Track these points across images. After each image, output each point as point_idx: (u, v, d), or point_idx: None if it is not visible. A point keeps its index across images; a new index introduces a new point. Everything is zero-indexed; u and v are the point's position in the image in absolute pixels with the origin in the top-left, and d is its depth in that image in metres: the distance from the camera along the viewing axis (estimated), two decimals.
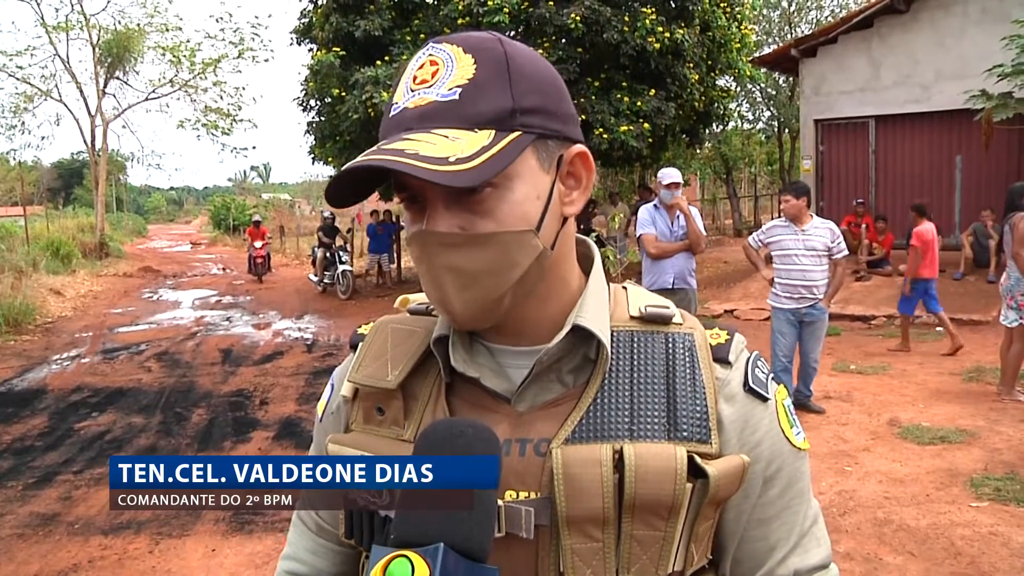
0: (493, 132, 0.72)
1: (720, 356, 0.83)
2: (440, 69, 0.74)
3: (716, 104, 14.05)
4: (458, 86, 0.73)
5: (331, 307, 13.47)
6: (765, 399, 0.84)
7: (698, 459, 0.76)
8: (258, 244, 18.41)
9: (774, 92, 21.20)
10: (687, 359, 0.82)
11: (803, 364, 5.80)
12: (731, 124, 19.73)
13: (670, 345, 0.82)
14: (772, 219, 7.55)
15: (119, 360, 9.35)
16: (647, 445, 0.76)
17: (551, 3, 11.33)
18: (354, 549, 0.88)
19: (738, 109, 21.08)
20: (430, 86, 0.74)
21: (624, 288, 0.89)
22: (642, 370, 0.81)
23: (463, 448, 0.68)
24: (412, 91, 0.75)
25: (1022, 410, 5.72)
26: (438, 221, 0.74)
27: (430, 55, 0.75)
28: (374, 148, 0.72)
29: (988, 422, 5.51)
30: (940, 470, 4.68)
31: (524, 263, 0.76)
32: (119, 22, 24.64)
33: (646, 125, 11.73)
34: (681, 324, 0.84)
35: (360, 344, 0.90)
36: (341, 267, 14.32)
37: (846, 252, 5.74)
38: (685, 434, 0.78)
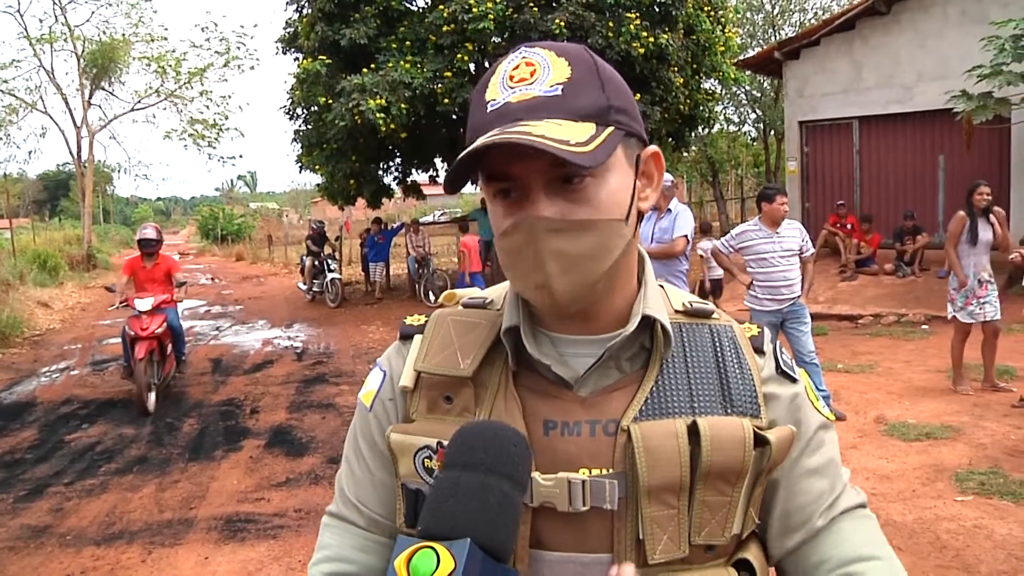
0: (594, 125, 0.77)
1: (756, 346, 0.93)
2: (537, 70, 0.79)
3: (701, 107, 14.10)
4: (559, 83, 0.78)
5: (320, 315, 13.46)
6: (795, 379, 0.93)
7: (757, 430, 0.84)
8: (145, 304, 7.24)
9: (759, 95, 21.33)
10: (732, 347, 0.91)
11: (801, 363, 5.72)
12: (716, 127, 19.79)
13: (715, 335, 0.91)
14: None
15: (108, 371, 9.33)
16: (716, 418, 0.84)
17: (535, 9, 11.38)
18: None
19: (723, 112, 21.22)
20: (531, 84, 0.78)
21: (661, 287, 0.95)
22: (695, 356, 0.89)
23: (496, 450, 0.70)
24: (511, 88, 0.79)
25: (1006, 405, 5.80)
26: (541, 208, 0.78)
27: (524, 57, 0.80)
28: (495, 131, 0.75)
29: (973, 418, 5.58)
30: (926, 466, 4.74)
31: (616, 250, 0.81)
32: (104, 33, 24.59)
33: None
34: (719, 318, 0.94)
35: (417, 335, 0.93)
36: (330, 275, 14.29)
37: (813, 251, 5.95)
38: (740, 409, 0.86)
